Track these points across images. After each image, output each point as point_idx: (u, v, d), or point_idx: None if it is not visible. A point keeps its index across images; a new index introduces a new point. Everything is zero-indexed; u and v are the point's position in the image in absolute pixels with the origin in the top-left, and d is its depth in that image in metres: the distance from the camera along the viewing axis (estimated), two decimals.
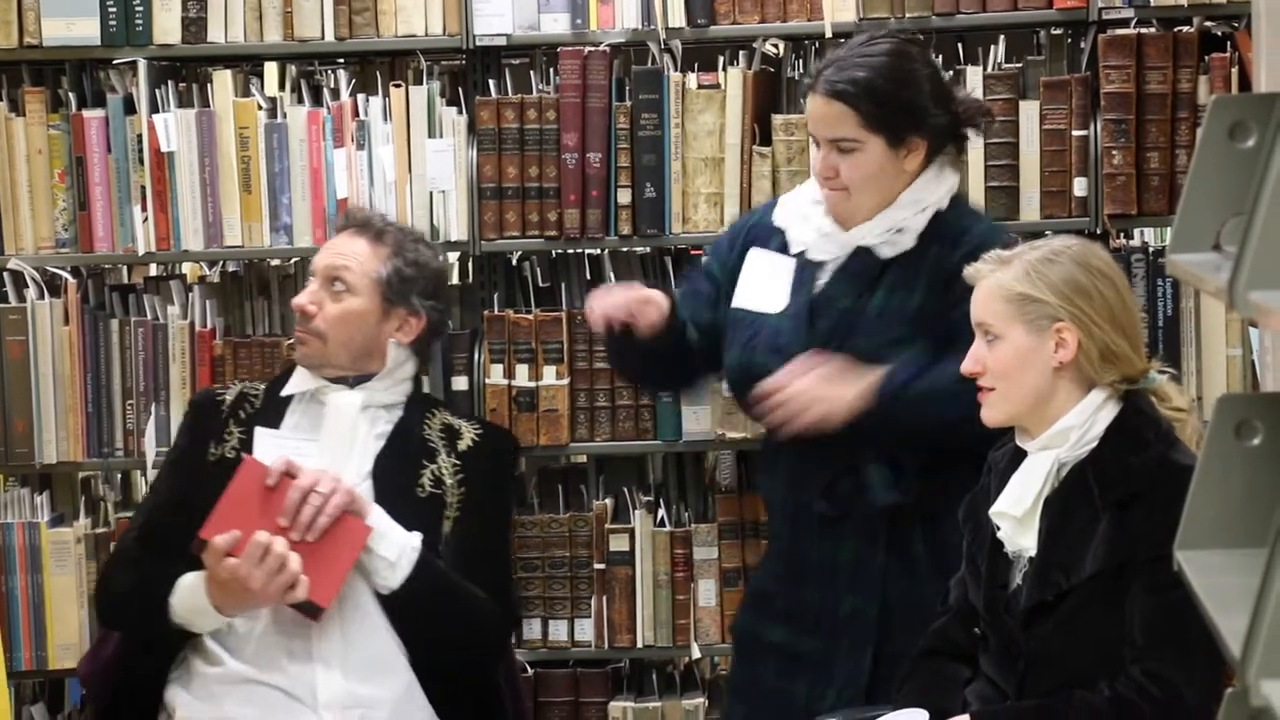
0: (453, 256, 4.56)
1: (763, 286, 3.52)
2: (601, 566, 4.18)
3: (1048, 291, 2.87)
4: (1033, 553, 2.89)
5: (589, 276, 4.30)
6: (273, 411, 3.71)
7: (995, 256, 2.97)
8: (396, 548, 3.53)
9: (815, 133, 3.46)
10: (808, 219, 3.51)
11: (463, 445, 3.73)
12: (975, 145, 4.01)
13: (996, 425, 2.98)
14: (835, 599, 3.49)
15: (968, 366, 2.97)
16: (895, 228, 3.44)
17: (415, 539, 3.56)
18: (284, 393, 3.72)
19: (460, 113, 4.14)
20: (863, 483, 3.43)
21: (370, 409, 3.69)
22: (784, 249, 3.54)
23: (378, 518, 3.54)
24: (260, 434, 3.66)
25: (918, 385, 3.35)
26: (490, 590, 3.68)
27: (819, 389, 3.36)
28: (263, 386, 3.79)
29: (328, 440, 3.65)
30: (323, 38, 4.15)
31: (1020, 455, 2.96)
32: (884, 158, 3.41)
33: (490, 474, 3.75)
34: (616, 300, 3.52)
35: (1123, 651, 2.80)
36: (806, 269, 3.50)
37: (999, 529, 2.94)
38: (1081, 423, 2.88)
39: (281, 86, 4.52)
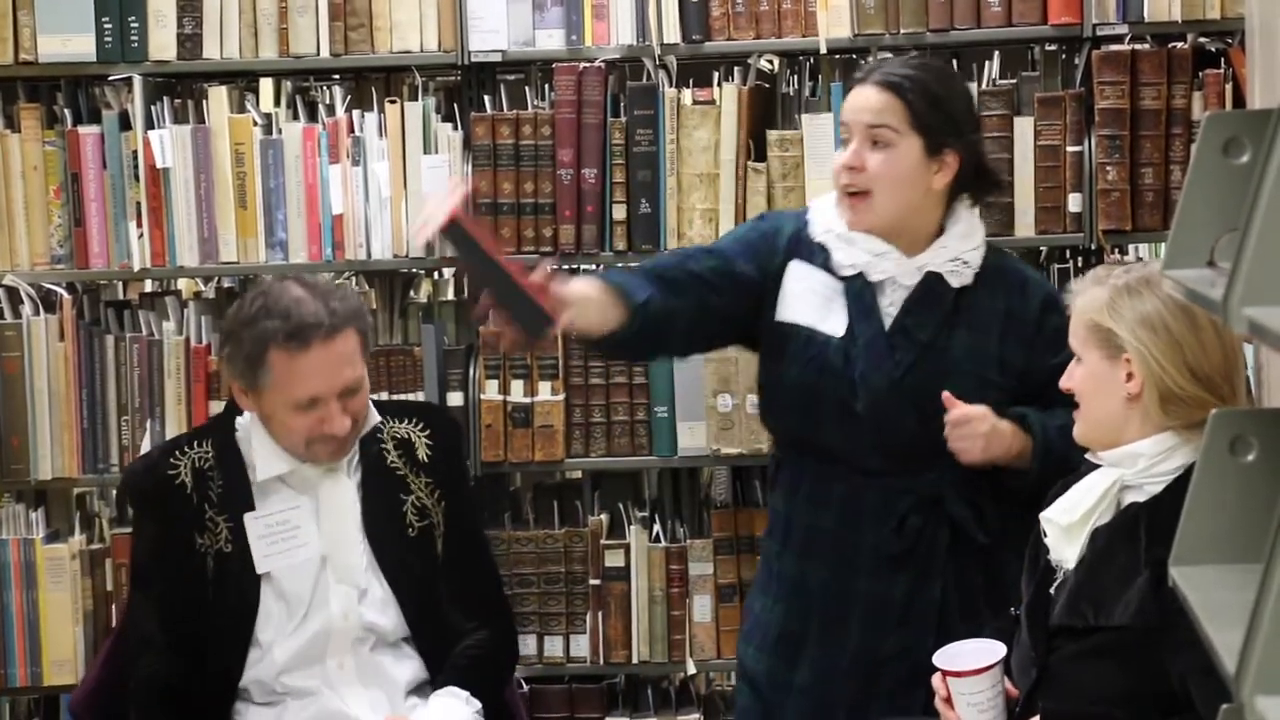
0: (448, 272, 4.56)
1: (815, 304, 3.36)
2: (597, 582, 4.18)
3: (1119, 324, 2.86)
4: (1070, 566, 2.89)
5: None
6: (242, 490, 3.52)
7: (1094, 275, 2.97)
8: None
9: (854, 120, 3.31)
10: (854, 241, 3.34)
11: (422, 455, 3.62)
12: None
13: (1082, 444, 2.98)
14: (879, 637, 3.36)
15: (1063, 382, 2.99)
16: (957, 258, 3.33)
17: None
18: (259, 478, 3.51)
19: (456, 129, 4.15)
20: (942, 521, 3.32)
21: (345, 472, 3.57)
22: (826, 266, 3.36)
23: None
24: (250, 521, 3.49)
25: (1061, 448, 3.24)
26: (492, 607, 3.68)
27: (989, 428, 3.27)
28: (210, 452, 3.56)
29: (327, 510, 3.53)
30: (318, 54, 4.16)
31: (1091, 466, 2.96)
32: (916, 162, 3.29)
33: (455, 475, 3.70)
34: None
35: (1138, 696, 2.78)
36: (865, 291, 3.33)
37: (1045, 534, 2.94)
38: (1154, 452, 2.85)
39: (277, 102, 4.53)
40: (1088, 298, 2.92)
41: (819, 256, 3.37)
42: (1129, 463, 2.87)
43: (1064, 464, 3.16)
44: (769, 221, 3.48)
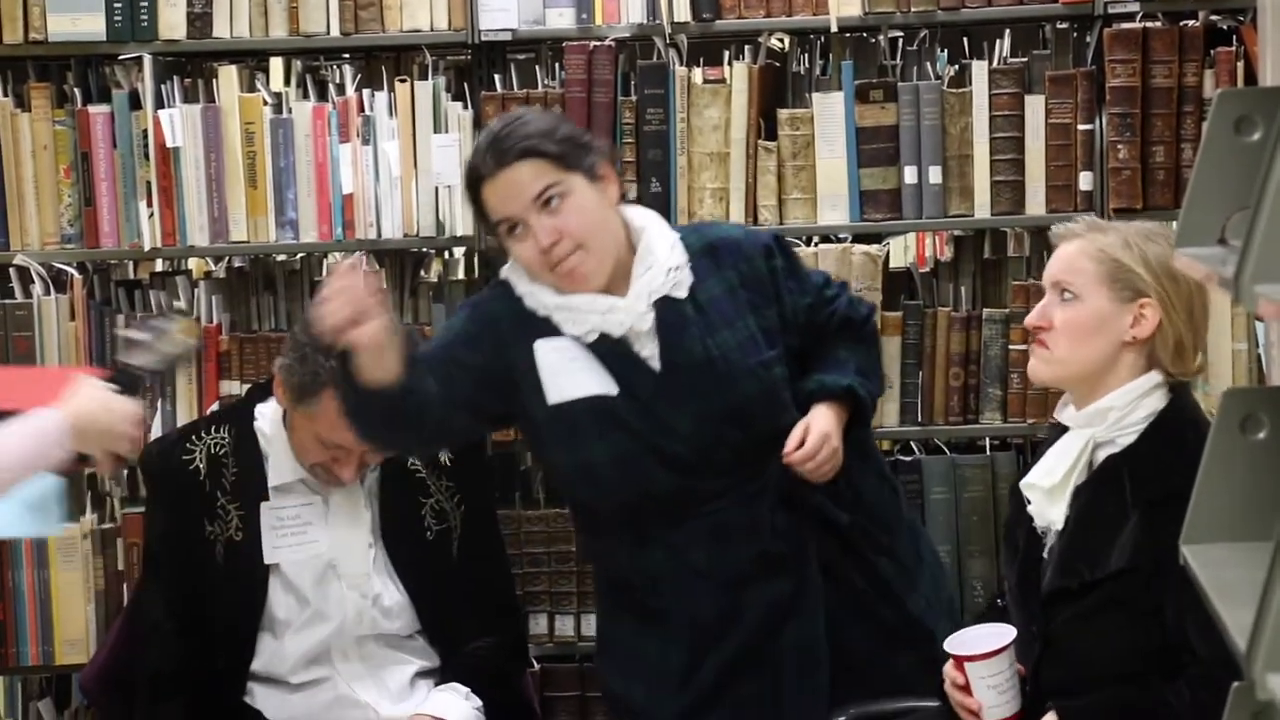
0: (458, 252, 4.56)
1: (580, 372, 3.21)
2: None
3: (1142, 265, 2.85)
4: (1059, 527, 2.89)
5: None
6: (257, 479, 3.58)
7: (1090, 221, 2.95)
8: None
9: (518, 206, 3.14)
10: (576, 307, 3.20)
11: (444, 458, 3.64)
12: (981, 140, 4.02)
13: (1042, 383, 2.96)
14: (773, 631, 3.26)
15: (1033, 320, 2.93)
16: (669, 268, 3.23)
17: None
18: (274, 483, 3.56)
19: (466, 108, 4.14)
20: (805, 508, 3.26)
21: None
22: (556, 334, 3.23)
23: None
24: (265, 510, 3.55)
25: (859, 366, 3.30)
26: (504, 611, 3.73)
27: (826, 430, 3.22)
28: (227, 439, 3.62)
29: (337, 514, 3.58)
30: (328, 33, 4.15)
31: (1061, 431, 2.96)
32: (591, 193, 3.18)
33: (477, 479, 3.72)
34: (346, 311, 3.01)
35: (1141, 649, 2.79)
36: (617, 347, 3.21)
37: (1029, 502, 2.94)
38: (1124, 404, 2.86)
39: (287, 82, 4.52)
40: (1095, 238, 2.89)
41: (541, 327, 3.23)
42: (1099, 420, 2.88)
43: (878, 374, 3.39)
44: (480, 310, 3.30)
